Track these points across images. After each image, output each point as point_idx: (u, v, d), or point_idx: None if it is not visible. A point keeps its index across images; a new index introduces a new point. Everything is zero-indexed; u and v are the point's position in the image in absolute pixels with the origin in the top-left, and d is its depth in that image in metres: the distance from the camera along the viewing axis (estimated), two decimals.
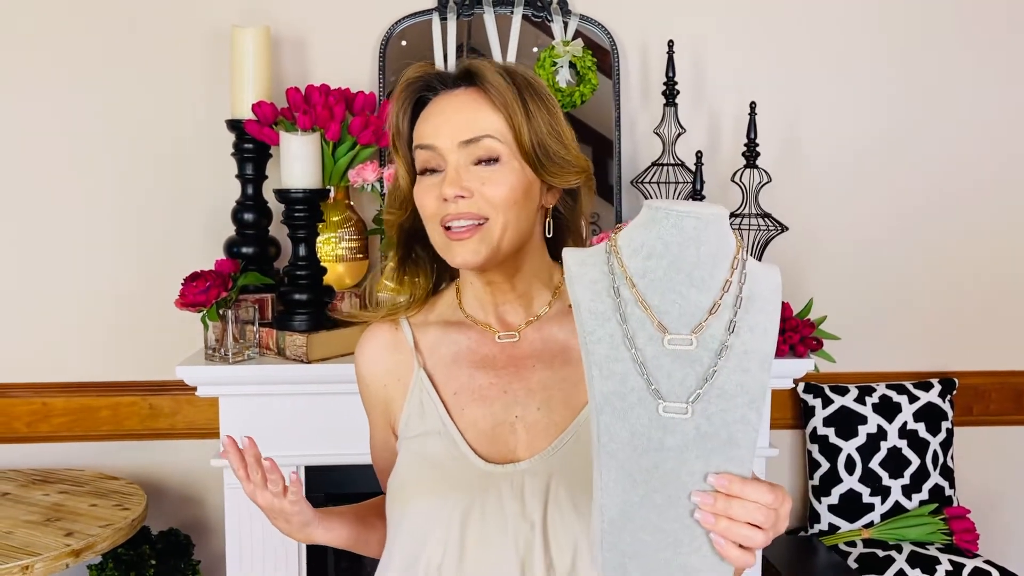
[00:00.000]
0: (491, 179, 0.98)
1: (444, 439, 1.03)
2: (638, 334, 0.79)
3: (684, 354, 0.78)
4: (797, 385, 2.32)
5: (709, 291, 0.79)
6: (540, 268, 1.07)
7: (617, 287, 0.80)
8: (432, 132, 1.00)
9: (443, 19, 2.20)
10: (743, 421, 0.78)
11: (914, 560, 2.13)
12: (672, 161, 2.17)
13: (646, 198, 2.16)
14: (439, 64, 2.17)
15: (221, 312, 1.84)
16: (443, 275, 1.13)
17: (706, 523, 0.78)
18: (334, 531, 1.11)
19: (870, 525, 2.28)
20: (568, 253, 0.85)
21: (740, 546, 0.79)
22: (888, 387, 2.35)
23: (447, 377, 1.06)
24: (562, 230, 1.09)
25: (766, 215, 2.08)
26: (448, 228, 0.99)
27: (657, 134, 2.18)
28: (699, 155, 2.07)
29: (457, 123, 0.99)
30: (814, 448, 2.32)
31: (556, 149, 1.01)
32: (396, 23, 2.20)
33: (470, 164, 0.99)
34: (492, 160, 0.99)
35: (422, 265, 1.11)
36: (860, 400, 2.31)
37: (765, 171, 2.08)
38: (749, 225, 2.08)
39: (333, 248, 2.08)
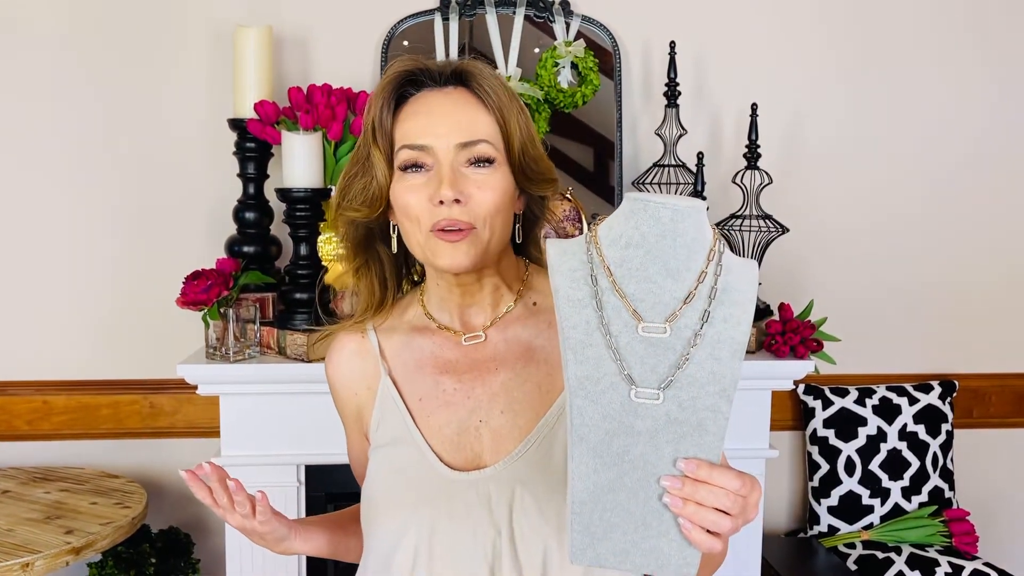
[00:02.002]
0: (485, 183, 0.96)
1: (410, 447, 1.02)
2: (613, 321, 0.80)
3: (657, 342, 0.80)
4: (797, 387, 2.32)
5: (684, 281, 0.80)
6: (507, 269, 1.06)
7: (595, 275, 0.82)
8: (425, 131, 0.97)
9: (445, 19, 2.20)
10: (713, 409, 0.79)
11: (913, 562, 2.13)
12: (673, 162, 2.17)
13: None
14: None
15: (222, 311, 1.85)
16: (403, 277, 1.11)
17: (674, 507, 0.79)
18: (312, 541, 1.11)
19: (870, 527, 2.28)
20: (550, 244, 0.86)
21: (708, 531, 0.79)
22: (888, 389, 2.35)
23: (412, 383, 1.06)
24: (524, 235, 1.08)
25: (767, 216, 2.08)
26: (436, 230, 0.96)
27: (658, 135, 2.18)
28: (700, 156, 2.07)
29: (454, 124, 0.97)
30: (814, 450, 2.32)
31: (535, 157, 1.01)
32: (398, 23, 2.21)
33: (462, 166, 0.97)
34: (487, 163, 0.97)
35: (386, 267, 1.08)
36: (860, 402, 2.31)
37: (766, 172, 2.08)
38: (750, 226, 2.07)
39: (335, 247, 2.08)
